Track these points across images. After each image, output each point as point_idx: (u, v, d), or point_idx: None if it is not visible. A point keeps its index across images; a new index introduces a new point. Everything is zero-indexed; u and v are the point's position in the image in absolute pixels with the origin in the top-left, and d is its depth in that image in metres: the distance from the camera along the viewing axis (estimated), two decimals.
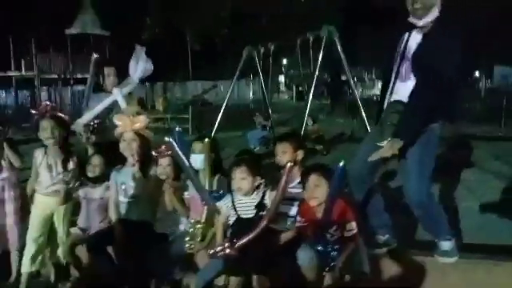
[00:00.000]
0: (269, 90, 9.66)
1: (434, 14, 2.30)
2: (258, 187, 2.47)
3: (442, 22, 2.30)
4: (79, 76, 14.48)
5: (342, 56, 6.67)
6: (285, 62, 18.12)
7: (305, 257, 2.42)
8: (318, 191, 2.43)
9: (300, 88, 16.50)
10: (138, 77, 3.62)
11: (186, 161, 2.62)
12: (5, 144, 3.00)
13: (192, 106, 11.58)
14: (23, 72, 14.15)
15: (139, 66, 3.58)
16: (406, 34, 2.44)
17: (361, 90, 17.38)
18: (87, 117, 3.61)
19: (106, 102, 3.62)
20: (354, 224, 2.42)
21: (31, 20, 15.03)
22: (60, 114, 3.03)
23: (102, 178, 3.08)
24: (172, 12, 14.22)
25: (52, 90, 14.94)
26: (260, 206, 2.43)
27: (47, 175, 2.91)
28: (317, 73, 7.12)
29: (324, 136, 7.57)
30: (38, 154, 2.93)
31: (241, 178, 2.42)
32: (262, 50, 8.46)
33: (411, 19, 2.38)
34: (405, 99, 2.41)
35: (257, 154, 2.93)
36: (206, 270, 2.75)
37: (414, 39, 2.39)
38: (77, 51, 14.59)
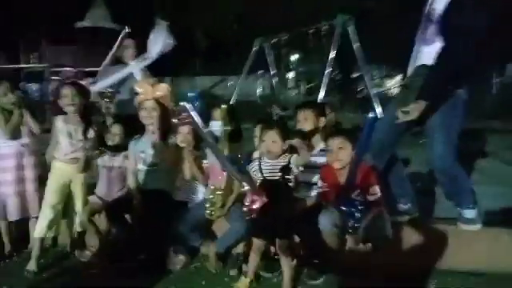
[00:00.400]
0: (279, 85, 9.64)
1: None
2: (284, 152, 2.45)
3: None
4: (89, 69, 14.55)
5: (357, 47, 6.55)
6: (293, 58, 18.06)
7: (326, 221, 2.40)
8: (341, 153, 2.42)
9: (309, 84, 16.43)
10: (157, 51, 3.63)
11: (203, 127, 2.60)
12: (24, 110, 3.02)
13: (200, 99, 11.55)
14: (32, 64, 14.30)
15: (159, 40, 3.58)
16: None
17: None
18: (101, 84, 3.63)
19: (122, 72, 3.64)
20: (377, 188, 2.40)
21: (42, 14, 15.13)
22: (80, 82, 3.04)
23: (122, 148, 3.09)
24: (180, 7, 14.21)
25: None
26: (285, 169, 2.41)
27: (67, 142, 2.91)
28: (329, 69, 7.04)
29: (341, 124, 7.49)
30: (58, 121, 2.93)
31: (272, 140, 2.42)
32: (272, 41, 8.39)
33: None
34: (430, 63, 2.39)
35: (285, 121, 2.91)
36: (227, 236, 2.75)
37: (440, 1, 2.35)
38: (87, 44, 14.68)
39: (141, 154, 2.98)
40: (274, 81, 9.21)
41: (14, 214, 3.00)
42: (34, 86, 13.41)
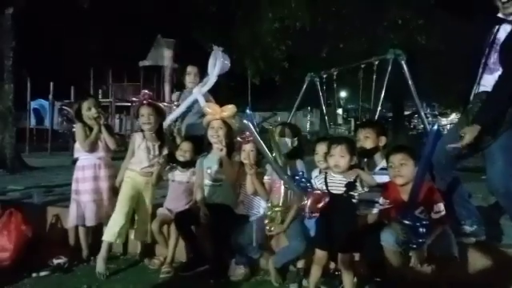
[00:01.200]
0: (329, 120, 9.69)
1: None
2: (351, 167, 2.54)
3: None
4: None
5: (410, 82, 6.51)
6: (344, 94, 18.18)
7: (388, 238, 2.41)
8: (404, 169, 2.45)
9: (358, 122, 16.42)
10: (216, 74, 3.97)
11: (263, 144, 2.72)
12: (103, 128, 3.34)
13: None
14: (100, 99, 15.59)
15: (217, 63, 3.93)
16: (496, 27, 2.50)
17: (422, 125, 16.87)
18: (173, 115, 4.01)
19: (188, 101, 3.98)
20: (442, 205, 2.39)
21: (109, 53, 16.64)
22: (156, 103, 3.36)
23: (190, 164, 3.32)
24: (233, 48, 14.92)
25: (124, 116, 16.24)
26: (350, 185, 2.49)
27: (145, 156, 3.21)
28: (379, 105, 7.02)
29: None
30: (137, 137, 3.25)
31: (340, 155, 2.50)
32: (324, 76, 8.54)
33: (500, 14, 2.46)
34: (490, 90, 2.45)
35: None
36: (285, 252, 2.83)
37: (504, 31, 2.45)
38: (148, 81, 15.86)
39: (207, 169, 3.20)
40: (324, 116, 9.30)
41: (91, 220, 3.27)
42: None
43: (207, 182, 3.18)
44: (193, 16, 14.38)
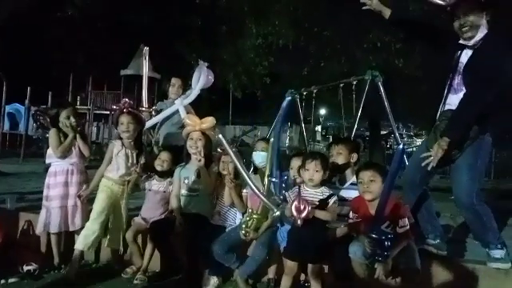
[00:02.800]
0: (308, 137, 9.88)
1: (483, 33, 2.54)
2: (323, 183, 2.66)
3: (492, 37, 2.53)
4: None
5: (386, 103, 6.75)
6: (323, 112, 18.55)
7: (355, 250, 2.51)
8: (372, 186, 2.56)
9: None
10: (199, 87, 4.08)
11: (235, 158, 2.80)
12: (78, 135, 3.32)
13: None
14: (78, 106, 15.41)
15: (201, 78, 4.05)
16: (458, 52, 2.66)
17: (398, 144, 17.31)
18: (151, 121, 4.06)
19: (168, 111, 4.05)
20: (406, 220, 2.51)
21: (90, 61, 16.50)
22: (136, 112, 3.40)
23: (168, 174, 3.36)
24: (216, 62, 15.06)
25: (102, 124, 16.03)
26: (324, 202, 2.60)
27: (123, 164, 3.23)
28: (356, 124, 7.24)
29: None
30: (116, 145, 3.27)
31: (315, 170, 2.61)
32: (304, 93, 8.74)
33: (461, 40, 2.62)
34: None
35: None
36: (248, 262, 2.89)
37: (466, 55, 2.63)
38: (129, 91, 15.78)
39: (184, 180, 3.24)
40: (303, 133, 9.47)
41: (55, 227, 3.20)
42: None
43: (184, 191, 3.23)
44: (177, 28, 14.49)
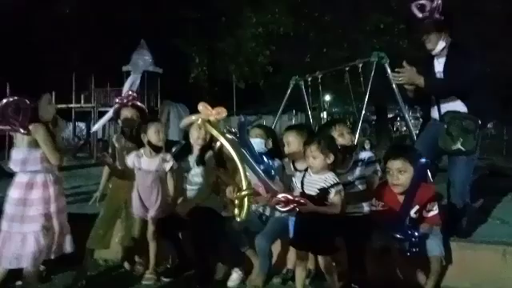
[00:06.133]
0: (314, 124, 9.76)
1: (443, 43, 2.89)
2: (331, 167, 2.41)
3: (456, 45, 2.92)
4: None
5: (394, 85, 6.59)
6: (328, 97, 18.34)
7: (376, 239, 2.41)
8: (402, 177, 2.38)
9: None
10: (141, 71, 3.85)
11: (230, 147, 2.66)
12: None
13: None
14: (82, 104, 15.32)
15: (145, 59, 3.82)
16: (431, 61, 3.00)
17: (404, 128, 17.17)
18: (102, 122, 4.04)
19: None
20: (436, 205, 2.38)
21: (91, 58, 16.41)
22: (140, 105, 3.28)
23: (159, 149, 2.94)
24: (217, 53, 14.92)
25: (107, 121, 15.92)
26: (324, 191, 2.37)
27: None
28: (363, 109, 7.08)
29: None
30: (121, 140, 3.16)
31: (312, 156, 2.39)
32: (309, 80, 8.58)
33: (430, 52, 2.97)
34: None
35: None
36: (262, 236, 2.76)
37: (438, 63, 2.97)
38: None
39: (186, 173, 3.04)
40: (310, 120, 9.33)
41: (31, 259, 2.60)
42: (82, 125, 14.35)
43: (186, 186, 3.05)
44: (176, 22, 14.33)
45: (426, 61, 3.02)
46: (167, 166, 2.94)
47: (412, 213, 2.33)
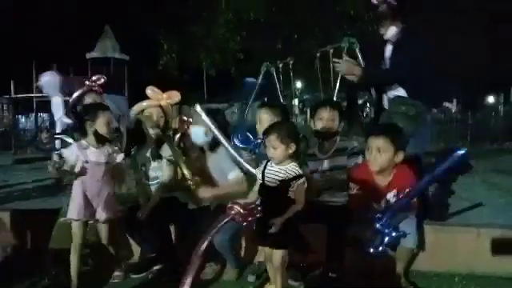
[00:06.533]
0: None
1: (394, 29, 2.92)
2: (293, 156, 2.22)
3: (407, 32, 2.91)
4: None
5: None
6: (299, 84, 18.35)
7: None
8: (380, 157, 2.27)
9: (313, 112, 16.64)
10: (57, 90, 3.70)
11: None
12: None
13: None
14: (44, 94, 14.58)
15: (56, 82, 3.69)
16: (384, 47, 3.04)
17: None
18: None
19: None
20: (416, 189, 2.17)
21: (54, 44, 15.64)
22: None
23: (105, 140, 2.59)
24: (187, 40, 14.59)
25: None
26: (285, 183, 2.18)
27: None
28: (335, 94, 7.08)
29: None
30: None
31: (272, 146, 2.19)
32: (280, 66, 8.50)
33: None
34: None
35: (291, 122, 2.80)
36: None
37: (388, 50, 3.00)
38: (97, 74, 15.08)
39: (142, 167, 2.82)
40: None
41: None
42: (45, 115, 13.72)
43: (144, 181, 2.83)
44: (145, 6, 13.86)
45: (380, 46, 3.06)
46: (118, 158, 2.62)
47: (390, 197, 2.23)
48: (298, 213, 2.16)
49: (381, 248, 2.07)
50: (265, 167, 2.26)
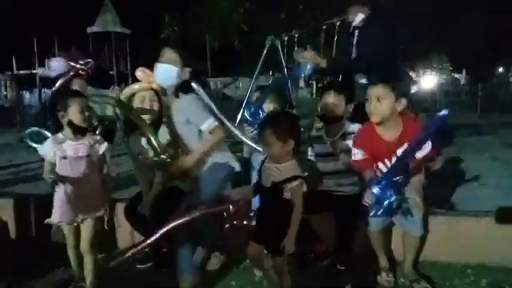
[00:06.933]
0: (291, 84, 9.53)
1: (361, 16, 2.95)
2: (294, 152, 2.00)
3: (374, 18, 2.94)
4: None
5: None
6: None
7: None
8: (380, 106, 2.10)
9: (319, 84, 16.36)
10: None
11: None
12: None
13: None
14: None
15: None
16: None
17: None
18: None
19: None
20: (429, 143, 2.07)
21: (54, 19, 15.34)
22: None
23: (84, 131, 2.28)
24: (189, 12, 14.24)
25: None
26: (281, 183, 1.96)
27: None
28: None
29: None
30: None
31: (267, 144, 1.97)
32: (285, 39, 8.27)
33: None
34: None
35: (291, 114, 2.57)
36: None
37: (355, 34, 3.03)
38: (98, 48, 14.84)
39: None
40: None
41: None
42: (49, 91, 13.65)
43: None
44: None
45: (349, 31, 3.11)
46: (101, 148, 2.32)
47: (399, 152, 2.06)
48: (305, 205, 1.96)
49: (379, 213, 1.99)
50: (262, 165, 2.07)
